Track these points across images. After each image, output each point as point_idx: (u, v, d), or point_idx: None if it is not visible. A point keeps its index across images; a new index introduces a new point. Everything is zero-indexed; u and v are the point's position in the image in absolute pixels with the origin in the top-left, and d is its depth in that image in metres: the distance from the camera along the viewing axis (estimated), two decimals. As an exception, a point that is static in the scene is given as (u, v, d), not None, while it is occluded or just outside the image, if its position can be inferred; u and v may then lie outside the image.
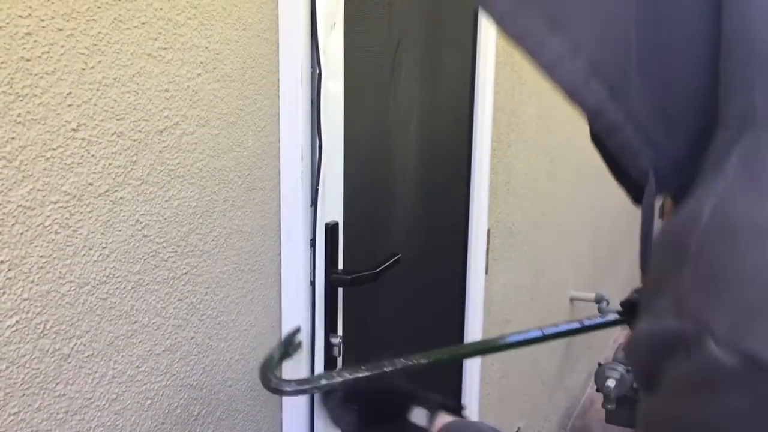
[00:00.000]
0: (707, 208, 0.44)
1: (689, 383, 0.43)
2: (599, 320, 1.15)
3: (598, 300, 3.18)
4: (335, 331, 1.34)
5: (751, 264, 0.41)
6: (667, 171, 0.52)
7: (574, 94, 0.51)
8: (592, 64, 0.50)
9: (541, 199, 2.59)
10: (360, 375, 0.93)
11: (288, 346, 1.21)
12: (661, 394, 0.46)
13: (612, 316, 1.09)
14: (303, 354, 1.25)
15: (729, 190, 0.44)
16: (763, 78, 0.46)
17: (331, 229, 1.27)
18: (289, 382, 1.03)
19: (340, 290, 1.34)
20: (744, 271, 0.42)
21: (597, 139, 0.59)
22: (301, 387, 1.01)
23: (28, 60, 0.74)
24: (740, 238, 0.43)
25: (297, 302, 1.22)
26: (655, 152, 0.52)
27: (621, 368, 3.00)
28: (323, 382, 0.96)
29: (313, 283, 1.25)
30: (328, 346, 1.32)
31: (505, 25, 0.51)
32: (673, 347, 0.43)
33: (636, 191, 0.55)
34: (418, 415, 0.89)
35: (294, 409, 1.25)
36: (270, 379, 1.04)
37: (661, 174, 0.52)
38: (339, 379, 0.94)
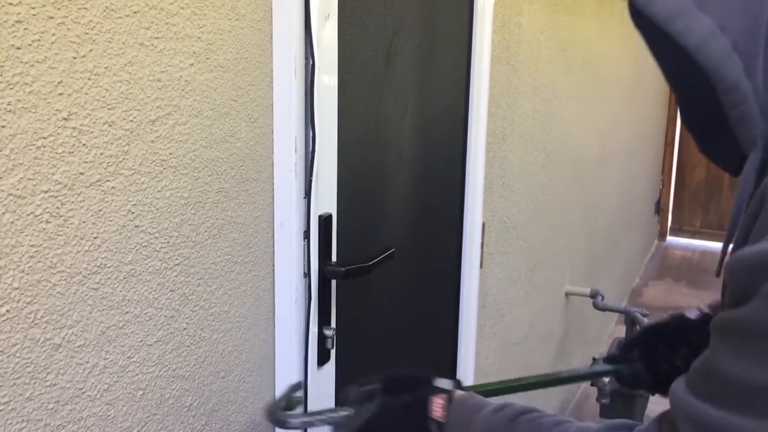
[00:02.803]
0: None
1: None
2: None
3: (593, 295, 3.18)
4: (328, 323, 1.34)
5: None
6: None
7: (718, 70, 0.59)
8: (734, 42, 0.57)
9: (537, 194, 2.59)
10: (360, 410, 0.95)
11: (289, 401, 1.19)
12: (754, 303, 0.55)
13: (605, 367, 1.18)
14: (296, 347, 1.25)
15: None
16: None
17: (324, 221, 1.27)
18: (297, 416, 1.07)
19: (334, 282, 1.34)
20: None
21: (695, 115, 0.69)
22: (307, 419, 1.06)
23: (18, 48, 0.73)
24: None
25: (290, 294, 1.22)
26: (765, 125, 0.60)
27: (615, 363, 3.00)
28: (330, 415, 1.00)
29: (306, 275, 1.24)
30: (322, 338, 1.32)
31: (654, 7, 0.59)
32: None
33: (735, 162, 0.63)
34: (442, 382, 0.93)
35: (287, 401, 1.25)
36: (275, 412, 1.09)
37: (764, 145, 0.60)
38: (343, 413, 0.97)
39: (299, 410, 1.22)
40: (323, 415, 1.01)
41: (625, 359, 1.10)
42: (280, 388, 1.25)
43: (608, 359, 1.17)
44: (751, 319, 0.57)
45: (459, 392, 0.92)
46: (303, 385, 1.27)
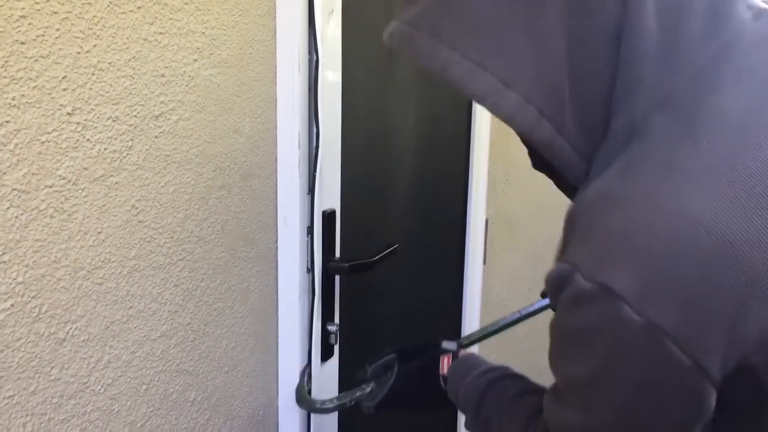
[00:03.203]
0: (590, 193, 0.66)
1: (566, 302, 0.65)
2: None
3: (597, 291, 3.18)
4: (332, 319, 1.34)
5: (602, 224, 0.63)
6: (586, 172, 0.71)
7: (531, 133, 0.67)
8: (540, 110, 0.66)
9: (541, 190, 2.58)
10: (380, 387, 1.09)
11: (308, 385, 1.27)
12: (556, 312, 0.68)
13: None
14: (299, 343, 1.25)
15: (606, 182, 0.65)
16: (645, 102, 0.66)
17: (328, 217, 1.27)
18: (329, 400, 1.19)
19: (337, 278, 1.34)
20: (600, 229, 0.63)
21: (538, 160, 0.79)
22: (338, 402, 1.17)
23: (22, 43, 0.73)
24: (600, 208, 0.64)
25: (293, 290, 1.22)
26: (585, 161, 0.70)
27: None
28: (354, 397, 1.13)
29: (309, 271, 1.24)
30: (325, 334, 1.32)
31: (467, 88, 0.67)
32: (561, 281, 0.65)
33: (573, 192, 0.74)
34: (448, 344, 1.06)
35: (291, 395, 1.25)
36: (307, 399, 1.23)
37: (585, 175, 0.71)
38: (367, 390, 1.11)
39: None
40: (351, 396, 1.13)
41: None
42: (290, 376, 1.25)
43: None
44: (559, 324, 0.69)
45: (463, 351, 1.06)
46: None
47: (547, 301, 0.97)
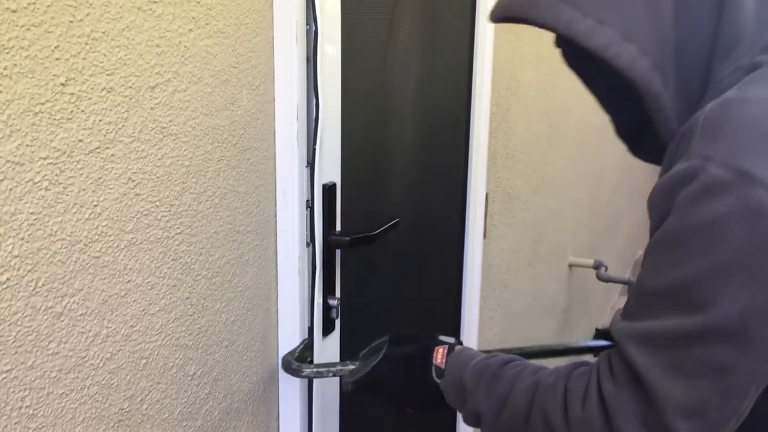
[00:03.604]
0: (704, 110, 0.70)
1: (692, 196, 0.65)
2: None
3: (597, 266, 3.18)
4: (333, 293, 1.34)
5: (730, 121, 0.67)
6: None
7: (645, 84, 0.74)
8: (654, 62, 0.74)
9: (541, 164, 2.57)
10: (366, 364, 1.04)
11: (302, 355, 1.25)
12: (669, 218, 0.69)
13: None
14: (299, 317, 1.24)
15: (720, 98, 0.71)
16: (749, 50, 0.74)
17: (328, 190, 1.26)
18: (309, 366, 1.18)
19: (338, 252, 1.33)
20: (729, 125, 0.67)
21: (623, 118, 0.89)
22: (317, 369, 1.17)
23: (14, 11, 0.72)
24: (730, 107, 0.68)
25: (293, 263, 1.21)
26: (678, 121, 0.76)
27: (618, 333, 3.01)
28: (338, 368, 1.12)
29: (309, 245, 1.24)
30: (326, 308, 1.31)
31: (591, 41, 0.74)
32: (683, 179, 0.66)
33: (660, 156, 0.79)
34: (445, 338, 1.01)
35: (291, 370, 1.25)
36: (290, 361, 1.20)
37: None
38: (351, 367, 1.07)
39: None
40: (333, 368, 1.12)
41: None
42: (290, 346, 1.25)
43: (603, 333, 1.29)
44: (667, 230, 0.69)
45: (461, 347, 0.99)
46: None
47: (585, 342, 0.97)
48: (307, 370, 1.17)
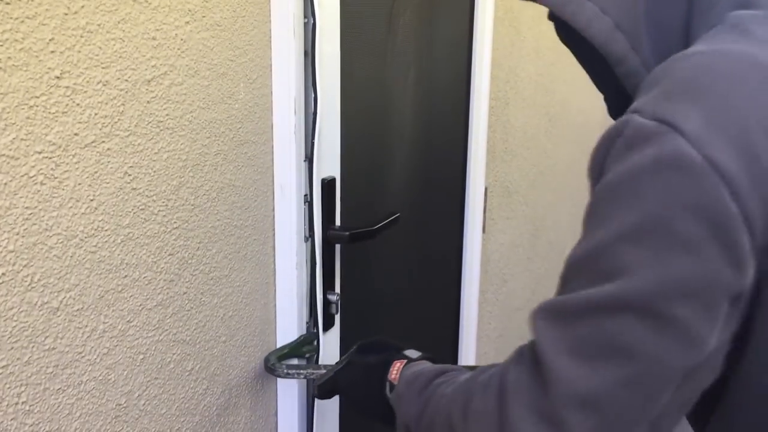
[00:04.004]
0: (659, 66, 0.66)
1: (618, 152, 0.60)
2: None
3: (596, 260, 3.17)
4: (332, 288, 1.33)
5: (669, 73, 0.62)
6: None
7: (604, 45, 0.70)
8: (617, 22, 0.69)
9: (540, 158, 2.56)
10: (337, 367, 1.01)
11: (294, 350, 1.24)
12: (601, 179, 0.61)
13: None
14: (297, 312, 1.24)
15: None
16: (725, 7, 0.67)
17: (327, 185, 1.25)
18: (282, 366, 1.18)
19: (338, 247, 1.32)
20: (668, 77, 0.62)
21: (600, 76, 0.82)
22: (290, 371, 1.16)
23: (7, 3, 0.71)
24: (669, 62, 0.64)
25: (291, 258, 1.21)
26: None
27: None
28: (309, 371, 1.13)
29: (307, 240, 1.23)
30: (326, 304, 1.31)
31: (555, 6, 0.71)
32: (612, 137, 0.62)
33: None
34: (409, 351, 0.96)
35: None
36: (269, 358, 1.20)
37: None
38: (323, 371, 1.06)
39: (296, 362, 1.26)
40: (303, 370, 1.14)
41: None
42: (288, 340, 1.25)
43: None
44: (600, 185, 0.61)
45: (420, 361, 0.92)
46: (314, 339, 1.28)
47: None
48: (279, 369, 1.16)
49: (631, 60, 0.70)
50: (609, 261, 0.58)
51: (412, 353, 0.95)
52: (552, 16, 0.81)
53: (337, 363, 1.02)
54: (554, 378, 0.60)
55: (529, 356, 0.64)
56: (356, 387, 0.97)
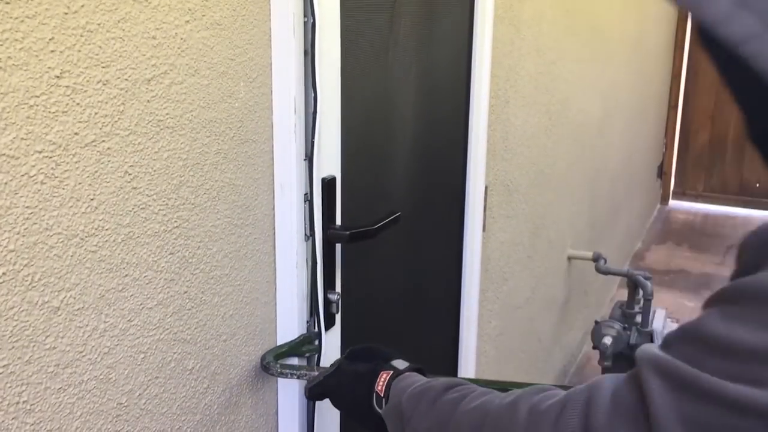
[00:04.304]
0: None
1: None
2: None
3: (596, 258, 3.18)
4: (333, 287, 1.33)
5: None
6: None
7: (743, 43, 0.56)
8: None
9: (540, 157, 2.56)
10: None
11: (294, 349, 1.24)
12: (765, 272, 0.55)
13: None
14: (298, 311, 1.24)
15: None
16: None
17: (327, 184, 1.25)
18: (276, 364, 1.18)
19: (338, 246, 1.32)
20: None
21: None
22: (283, 371, 1.17)
23: (7, 2, 0.71)
24: None
25: (291, 257, 1.21)
26: None
27: (617, 326, 3.00)
28: (303, 371, 1.15)
29: (307, 238, 1.23)
30: (327, 303, 1.31)
31: (725, 29, 0.57)
32: None
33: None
34: (398, 362, 0.96)
35: (291, 364, 1.25)
36: (265, 356, 1.20)
37: None
38: (315, 373, 1.09)
39: (295, 361, 1.27)
40: (297, 371, 1.16)
41: None
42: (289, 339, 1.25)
43: None
44: (757, 284, 0.56)
45: (409, 373, 0.91)
46: (315, 338, 1.28)
47: None
48: (274, 368, 1.17)
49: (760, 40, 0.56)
50: (762, 369, 0.54)
51: (400, 363, 0.95)
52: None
53: (330, 366, 1.04)
54: None
55: (632, 409, 0.59)
56: (343, 394, 0.98)
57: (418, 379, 0.88)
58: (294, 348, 1.24)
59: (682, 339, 0.61)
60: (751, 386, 0.54)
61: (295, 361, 1.26)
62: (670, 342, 0.62)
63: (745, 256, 0.59)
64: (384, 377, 0.91)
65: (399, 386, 0.88)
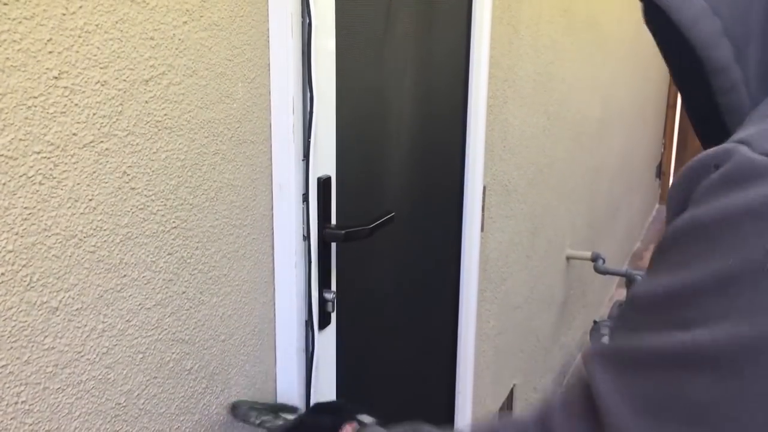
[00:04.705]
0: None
1: (719, 184, 0.51)
2: None
3: (594, 258, 3.18)
4: (329, 286, 1.33)
5: None
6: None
7: (707, 49, 0.61)
8: (725, 26, 0.60)
9: (538, 157, 2.57)
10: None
11: (281, 410, 1.22)
12: (688, 209, 0.54)
13: None
14: (296, 310, 1.24)
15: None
16: None
17: (323, 184, 1.26)
18: (245, 405, 1.17)
19: (334, 245, 1.33)
20: None
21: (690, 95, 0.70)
22: (248, 414, 1.15)
23: (5, 4, 0.71)
24: None
25: (289, 257, 1.21)
26: (753, 107, 0.61)
27: (616, 326, 3.01)
28: (267, 418, 1.13)
29: (305, 238, 1.23)
30: (322, 302, 1.31)
31: None
32: (707, 165, 0.53)
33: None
34: (363, 417, 0.97)
35: (288, 364, 1.25)
36: (240, 404, 1.18)
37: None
38: (280, 422, 1.10)
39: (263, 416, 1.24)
40: (261, 417, 1.13)
41: None
42: (288, 344, 1.24)
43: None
44: (675, 225, 0.54)
45: (374, 426, 0.93)
46: (295, 411, 1.25)
47: None
48: (241, 408, 1.16)
49: (732, 73, 0.61)
50: (693, 307, 0.51)
51: (366, 418, 0.96)
52: None
53: (294, 419, 1.06)
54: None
55: (581, 405, 0.58)
56: None
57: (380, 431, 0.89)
58: (271, 408, 1.21)
59: (620, 316, 0.60)
60: (680, 330, 0.51)
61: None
62: (612, 330, 0.61)
63: (671, 202, 0.58)
64: (348, 430, 0.91)
65: None
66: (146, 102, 0.90)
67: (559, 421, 0.60)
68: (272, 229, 1.20)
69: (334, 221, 1.31)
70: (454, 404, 2.13)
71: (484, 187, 2.04)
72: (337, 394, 1.45)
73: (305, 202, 1.22)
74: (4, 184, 0.73)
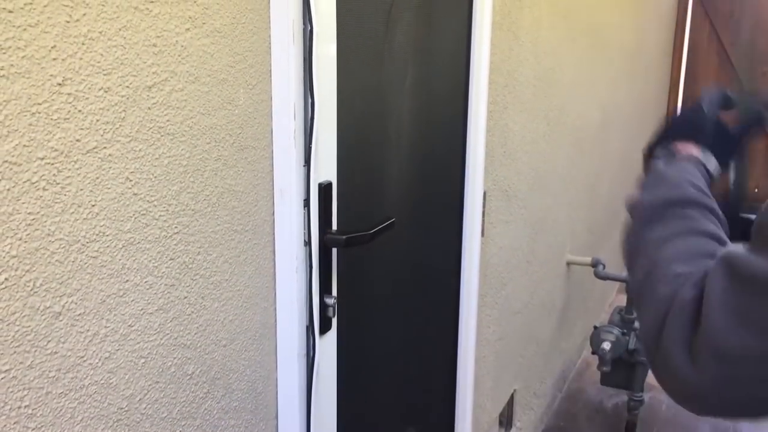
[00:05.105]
0: None
1: None
2: None
3: (595, 264, 3.18)
4: (329, 291, 1.34)
5: None
6: None
7: None
8: None
9: (538, 162, 2.57)
10: None
11: None
12: None
13: None
14: (297, 316, 1.25)
15: None
16: None
17: (324, 189, 1.26)
18: None
19: (334, 251, 1.33)
20: None
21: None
22: None
23: (10, 11, 0.72)
24: None
25: (291, 262, 1.21)
26: None
27: (616, 331, 3.01)
28: None
29: (306, 244, 1.24)
30: (323, 307, 1.31)
31: None
32: None
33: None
34: None
35: (289, 368, 1.25)
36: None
37: None
38: None
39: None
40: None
41: None
42: (289, 350, 1.25)
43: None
44: None
45: None
46: None
47: None
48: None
49: None
50: None
51: None
52: None
53: None
54: (709, 326, 0.62)
55: (698, 286, 0.66)
56: None
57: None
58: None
59: (754, 234, 0.66)
60: None
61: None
62: (750, 237, 0.67)
63: None
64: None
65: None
66: (149, 108, 0.91)
67: (687, 290, 0.67)
68: (273, 234, 1.21)
69: (335, 226, 1.31)
70: (455, 409, 2.13)
71: (485, 193, 2.05)
72: (338, 399, 1.45)
73: (306, 208, 1.22)
74: (8, 189, 0.74)
